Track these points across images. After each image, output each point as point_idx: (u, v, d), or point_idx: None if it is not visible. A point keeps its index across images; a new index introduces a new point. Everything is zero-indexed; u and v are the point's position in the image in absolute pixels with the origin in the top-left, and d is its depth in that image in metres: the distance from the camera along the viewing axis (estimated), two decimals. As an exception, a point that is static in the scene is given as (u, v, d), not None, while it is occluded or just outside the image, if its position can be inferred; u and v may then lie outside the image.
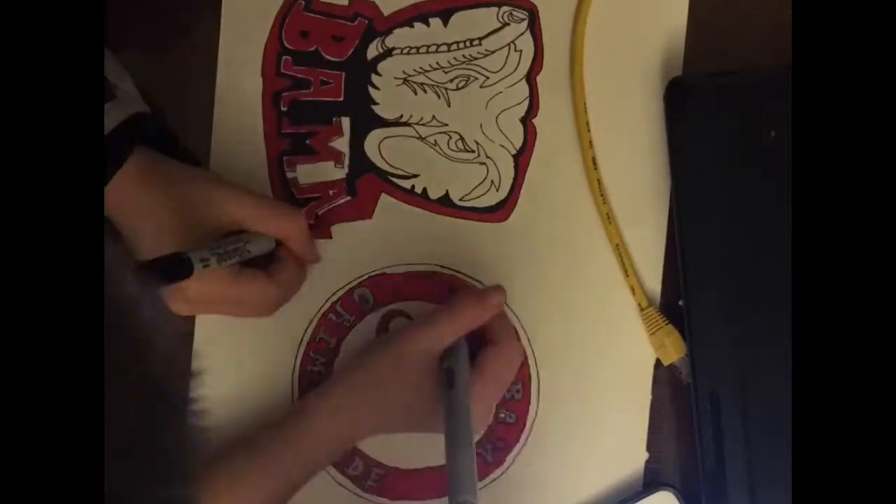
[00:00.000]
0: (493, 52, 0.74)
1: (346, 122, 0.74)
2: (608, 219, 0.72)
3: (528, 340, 0.72)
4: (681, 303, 0.69)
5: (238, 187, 0.69)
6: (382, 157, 0.74)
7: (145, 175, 0.65)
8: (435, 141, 0.74)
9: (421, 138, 0.74)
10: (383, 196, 0.74)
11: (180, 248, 0.62)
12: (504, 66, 0.74)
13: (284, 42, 0.74)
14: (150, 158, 0.66)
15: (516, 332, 0.72)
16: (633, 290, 0.71)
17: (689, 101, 0.70)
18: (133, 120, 0.66)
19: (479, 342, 0.69)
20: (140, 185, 0.65)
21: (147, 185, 0.65)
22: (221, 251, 0.64)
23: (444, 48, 0.74)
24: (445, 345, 0.67)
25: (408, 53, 0.74)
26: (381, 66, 0.74)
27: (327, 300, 0.73)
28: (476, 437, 0.67)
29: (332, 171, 0.74)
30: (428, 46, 0.74)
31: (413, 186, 0.74)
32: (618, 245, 0.71)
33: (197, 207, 0.66)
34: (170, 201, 0.66)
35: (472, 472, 0.60)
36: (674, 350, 0.70)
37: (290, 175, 0.74)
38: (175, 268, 0.59)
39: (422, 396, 0.67)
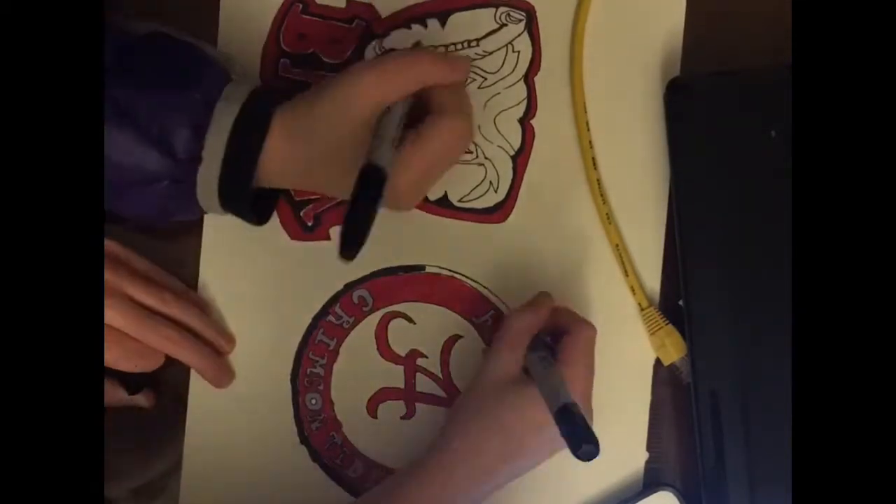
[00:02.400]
0: (490, 53, 0.74)
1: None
2: (608, 219, 0.72)
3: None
4: (681, 303, 0.69)
5: (352, 72, 0.64)
6: (381, 158, 0.74)
7: (290, 132, 0.65)
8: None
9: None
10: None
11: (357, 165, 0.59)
12: (502, 66, 0.74)
13: (282, 45, 0.74)
14: (283, 118, 0.65)
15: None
16: (633, 290, 0.71)
17: (688, 100, 0.70)
18: (255, 93, 0.65)
19: (555, 339, 0.68)
20: (291, 141, 0.65)
21: (295, 136, 0.65)
22: (387, 135, 0.61)
23: (442, 49, 0.74)
24: (520, 355, 0.66)
25: (405, 55, 0.74)
26: (378, 68, 0.74)
27: (326, 302, 0.73)
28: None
29: (331, 173, 0.74)
30: (426, 48, 0.74)
31: (412, 187, 0.74)
32: (618, 245, 0.71)
33: (334, 123, 0.64)
34: (315, 136, 0.64)
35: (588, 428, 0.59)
36: (674, 350, 0.70)
37: (289, 176, 0.74)
38: (373, 183, 0.57)
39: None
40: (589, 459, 0.56)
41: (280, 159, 0.65)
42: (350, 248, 0.57)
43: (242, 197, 0.66)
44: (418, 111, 0.65)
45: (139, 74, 0.64)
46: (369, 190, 0.57)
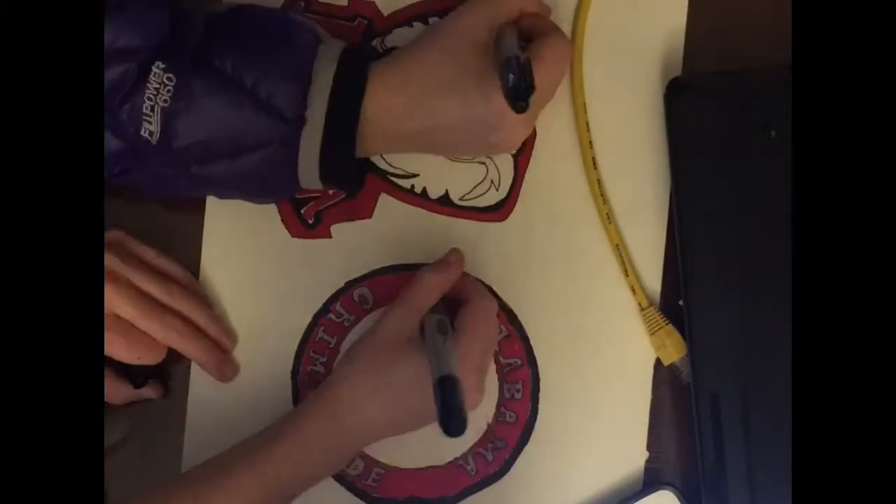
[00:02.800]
0: (492, 52, 0.74)
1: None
2: (608, 219, 0.72)
3: (528, 340, 0.72)
4: (681, 303, 0.69)
5: (445, 22, 0.68)
6: (382, 157, 0.74)
7: (389, 83, 0.66)
8: (434, 141, 0.74)
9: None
10: (383, 196, 0.74)
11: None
12: (503, 65, 0.74)
13: (284, 42, 0.74)
14: (380, 71, 0.66)
15: (489, 288, 0.72)
16: (633, 290, 0.71)
17: (689, 100, 0.70)
18: (348, 50, 0.67)
19: (453, 309, 0.68)
20: (387, 97, 0.66)
21: (392, 93, 0.66)
22: (515, 56, 0.62)
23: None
24: (416, 323, 0.67)
25: (407, 53, 0.74)
26: (380, 66, 0.74)
27: (327, 300, 0.73)
28: (473, 404, 0.67)
29: (332, 171, 0.74)
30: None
31: (413, 186, 0.74)
32: (618, 245, 0.71)
33: (460, 46, 0.66)
34: (412, 89, 0.66)
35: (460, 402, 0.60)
36: (674, 350, 0.70)
37: (290, 175, 0.74)
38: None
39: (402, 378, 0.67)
40: (453, 436, 0.58)
41: (381, 107, 0.65)
42: (522, 98, 0.60)
43: (346, 157, 0.66)
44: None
45: (236, 41, 0.65)
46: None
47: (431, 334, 0.64)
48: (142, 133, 0.63)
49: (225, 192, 0.70)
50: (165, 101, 0.63)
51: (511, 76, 0.59)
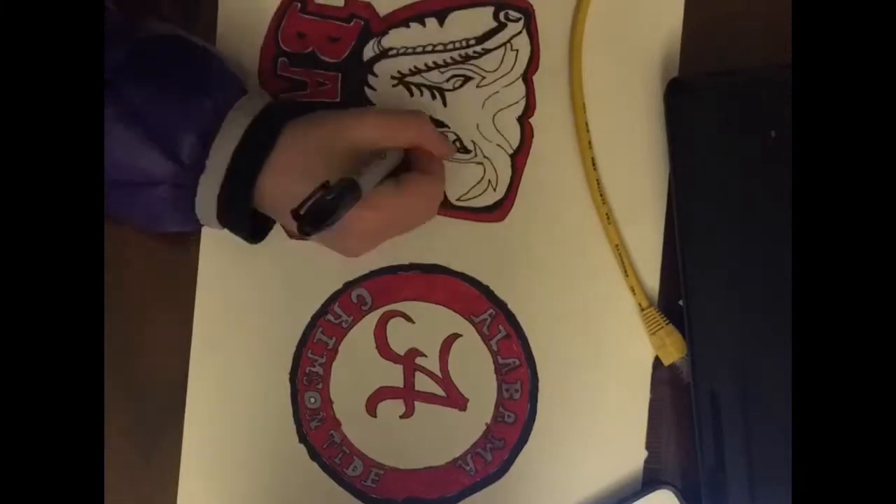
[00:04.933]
0: (489, 52, 0.74)
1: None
2: (608, 219, 0.72)
3: (527, 340, 0.72)
4: (681, 303, 0.70)
5: (360, 110, 0.71)
6: (381, 157, 0.74)
7: (291, 146, 0.65)
8: (432, 141, 0.74)
9: (418, 138, 0.74)
10: (381, 196, 0.74)
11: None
12: (500, 65, 0.74)
13: (281, 44, 0.74)
14: (292, 133, 0.66)
15: (486, 288, 0.73)
16: (633, 290, 0.71)
17: (688, 100, 0.69)
18: (269, 107, 0.66)
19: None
20: (290, 156, 0.65)
21: (294, 154, 0.65)
22: (374, 170, 0.64)
23: (441, 48, 0.74)
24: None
25: (404, 54, 0.74)
26: (377, 67, 0.74)
27: (325, 301, 0.73)
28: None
29: (330, 172, 0.74)
30: (424, 47, 0.74)
31: (410, 187, 0.74)
32: (617, 245, 0.71)
33: (334, 149, 0.66)
34: (312, 158, 0.65)
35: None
36: (675, 350, 0.70)
37: (287, 176, 0.73)
38: (346, 191, 0.58)
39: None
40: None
41: (280, 171, 0.65)
42: (309, 225, 0.58)
43: (241, 208, 0.66)
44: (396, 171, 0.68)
45: (153, 75, 0.64)
46: (343, 191, 0.58)
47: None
48: None
49: (120, 217, 0.68)
50: None
51: (321, 194, 0.58)
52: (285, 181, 0.65)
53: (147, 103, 0.63)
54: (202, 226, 0.69)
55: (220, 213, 0.66)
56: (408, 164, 0.69)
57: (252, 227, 0.68)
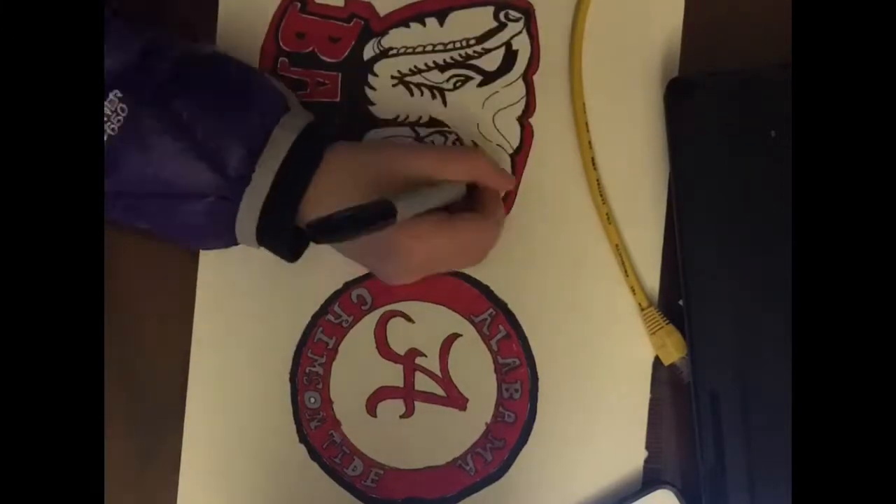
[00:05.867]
0: (489, 52, 0.74)
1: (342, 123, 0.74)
2: (608, 219, 0.72)
3: (527, 340, 0.72)
4: (681, 303, 0.69)
5: (415, 144, 0.72)
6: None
7: (338, 168, 0.66)
8: (432, 141, 0.74)
9: (418, 138, 0.74)
10: (381, 196, 0.74)
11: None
12: (500, 65, 0.74)
13: (281, 44, 0.74)
14: (336, 155, 0.66)
15: (486, 288, 0.73)
16: (633, 290, 0.71)
17: (688, 100, 0.69)
18: (313, 125, 0.67)
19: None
20: (337, 177, 0.65)
21: (342, 176, 0.66)
22: (419, 198, 0.63)
23: (441, 48, 0.74)
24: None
25: (404, 54, 0.74)
26: (377, 67, 0.74)
27: (325, 301, 0.73)
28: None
29: (330, 172, 0.74)
30: (424, 46, 0.74)
31: (411, 187, 0.74)
32: (617, 245, 0.71)
33: (383, 175, 0.65)
34: (361, 181, 0.65)
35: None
36: (675, 350, 0.70)
37: (287, 176, 0.73)
38: (378, 212, 0.57)
39: None
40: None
41: (325, 192, 0.65)
42: (323, 234, 0.57)
43: (284, 225, 0.66)
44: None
45: (200, 89, 0.65)
46: (372, 213, 0.57)
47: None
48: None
49: (159, 231, 0.69)
50: (113, 129, 0.62)
51: (352, 213, 0.56)
52: (330, 200, 0.64)
53: (195, 116, 0.64)
54: (235, 244, 0.69)
55: (260, 228, 0.66)
56: (470, 204, 0.69)
57: (292, 244, 0.69)
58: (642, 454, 0.71)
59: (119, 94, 0.62)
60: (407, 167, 0.66)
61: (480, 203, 0.68)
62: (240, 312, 0.74)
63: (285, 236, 0.67)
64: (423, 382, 0.73)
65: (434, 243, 0.65)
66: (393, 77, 0.74)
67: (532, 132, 0.73)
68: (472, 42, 0.74)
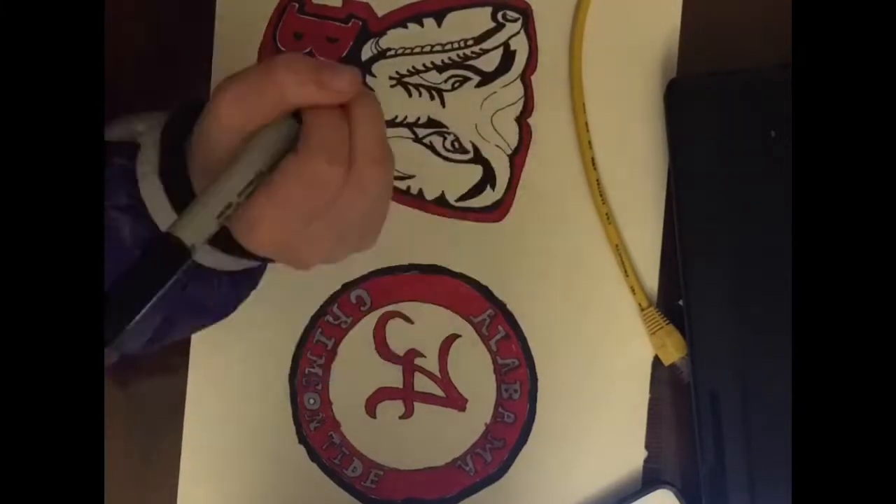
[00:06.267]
0: (487, 52, 0.74)
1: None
2: (607, 219, 0.72)
3: (526, 340, 0.73)
4: (680, 303, 0.70)
5: (216, 88, 0.51)
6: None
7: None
8: (430, 142, 0.74)
9: (416, 139, 0.74)
10: (380, 197, 0.74)
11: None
12: (498, 65, 0.74)
13: (278, 44, 0.74)
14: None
15: (485, 287, 0.72)
16: (633, 290, 0.71)
17: (688, 100, 0.69)
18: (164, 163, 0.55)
19: None
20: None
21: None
22: (216, 190, 0.48)
23: (439, 48, 0.74)
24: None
25: (402, 54, 0.74)
26: (375, 68, 0.74)
27: (324, 302, 0.73)
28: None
29: (329, 173, 0.73)
30: (422, 47, 0.74)
31: (409, 187, 0.74)
32: (617, 245, 0.71)
33: (207, 157, 0.52)
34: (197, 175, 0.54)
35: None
36: (675, 350, 0.70)
37: (285, 177, 0.73)
38: (162, 258, 0.46)
39: None
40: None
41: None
42: (112, 324, 0.46)
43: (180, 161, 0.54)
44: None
45: None
46: (155, 262, 0.46)
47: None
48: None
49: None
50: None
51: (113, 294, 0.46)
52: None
53: None
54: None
55: (162, 173, 0.54)
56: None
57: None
58: (642, 454, 0.71)
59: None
60: (214, 137, 0.51)
61: (304, 135, 0.50)
62: (239, 313, 0.73)
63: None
64: (422, 383, 0.73)
65: (270, 220, 0.50)
66: (391, 78, 0.74)
67: (531, 132, 0.73)
68: (470, 42, 0.74)
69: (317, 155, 0.49)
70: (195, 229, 0.46)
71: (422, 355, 0.73)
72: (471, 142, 0.74)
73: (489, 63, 0.74)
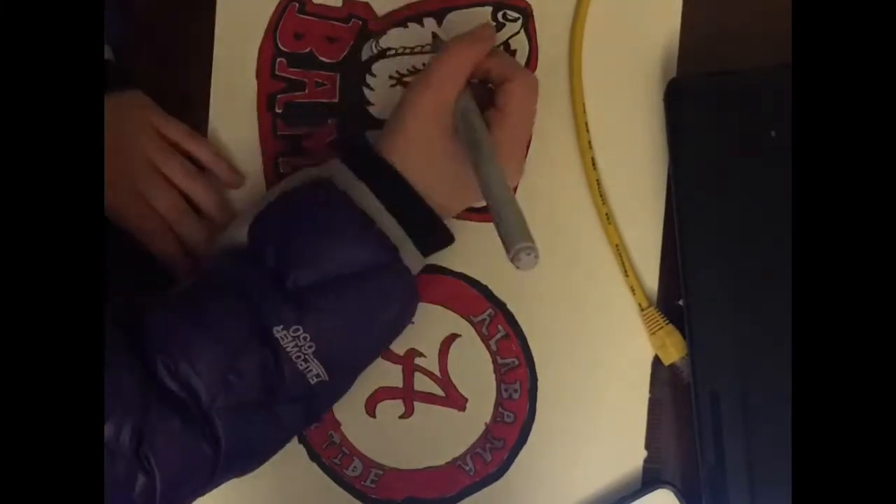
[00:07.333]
0: (487, 52, 0.74)
1: (340, 123, 0.74)
2: (608, 219, 0.72)
3: (526, 340, 0.73)
4: (680, 303, 0.70)
5: (408, 90, 0.66)
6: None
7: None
8: (430, 142, 0.74)
9: (416, 139, 0.74)
10: (379, 197, 0.74)
11: None
12: (498, 65, 0.74)
13: (279, 44, 0.74)
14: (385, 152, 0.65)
15: (485, 288, 0.73)
16: (633, 290, 0.71)
17: (688, 101, 0.69)
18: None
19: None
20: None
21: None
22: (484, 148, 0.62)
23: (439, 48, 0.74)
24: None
25: (402, 54, 0.74)
26: (375, 67, 0.74)
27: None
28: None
29: (329, 173, 0.73)
30: (422, 46, 0.74)
31: (410, 187, 0.74)
32: (617, 245, 0.71)
33: (431, 136, 0.65)
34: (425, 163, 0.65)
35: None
36: (675, 350, 0.70)
37: (286, 177, 0.73)
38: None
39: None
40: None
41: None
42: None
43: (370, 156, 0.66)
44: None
45: (307, 255, 0.63)
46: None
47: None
48: (312, 382, 0.62)
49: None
50: (310, 346, 0.61)
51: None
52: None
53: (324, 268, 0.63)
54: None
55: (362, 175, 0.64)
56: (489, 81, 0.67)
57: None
58: (642, 454, 0.71)
59: (280, 328, 0.61)
60: (433, 116, 0.64)
61: (496, 74, 0.66)
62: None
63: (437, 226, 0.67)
64: (422, 383, 0.73)
65: (510, 138, 0.65)
66: (391, 77, 0.74)
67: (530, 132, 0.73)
68: (470, 42, 0.74)
69: (519, 72, 0.66)
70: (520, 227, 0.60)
71: (422, 355, 0.73)
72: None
73: (489, 63, 0.74)
